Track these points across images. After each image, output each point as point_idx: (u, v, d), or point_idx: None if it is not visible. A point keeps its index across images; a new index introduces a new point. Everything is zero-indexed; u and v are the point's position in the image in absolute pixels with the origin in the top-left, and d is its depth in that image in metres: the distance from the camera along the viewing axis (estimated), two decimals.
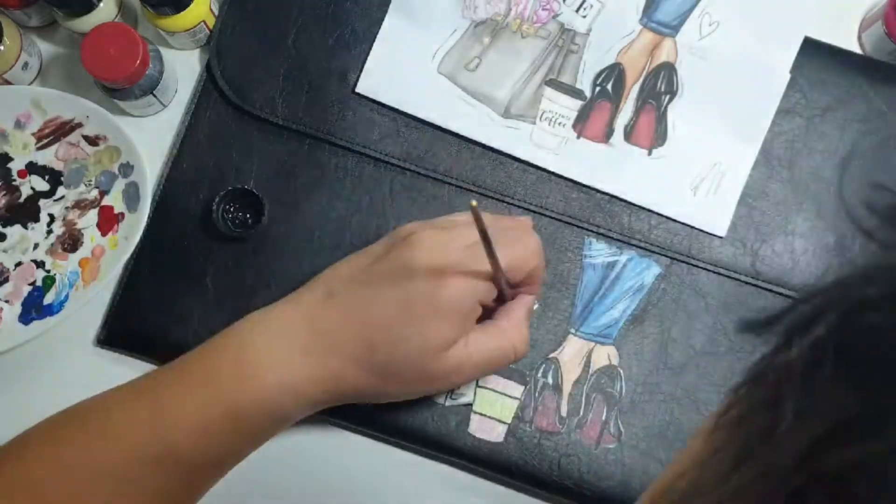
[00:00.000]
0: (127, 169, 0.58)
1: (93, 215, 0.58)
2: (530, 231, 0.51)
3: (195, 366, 0.48)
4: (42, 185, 0.59)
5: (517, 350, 0.50)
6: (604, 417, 0.57)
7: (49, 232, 0.58)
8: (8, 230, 0.58)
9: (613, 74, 0.59)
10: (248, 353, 0.47)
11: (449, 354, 0.47)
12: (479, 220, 0.42)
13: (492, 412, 0.56)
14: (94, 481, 0.46)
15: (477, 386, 0.57)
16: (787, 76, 0.59)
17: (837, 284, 0.24)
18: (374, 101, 0.59)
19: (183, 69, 0.61)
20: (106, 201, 0.59)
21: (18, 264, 0.58)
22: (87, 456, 0.47)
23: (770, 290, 0.58)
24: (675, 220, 0.58)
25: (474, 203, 0.41)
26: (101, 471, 0.46)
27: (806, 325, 0.24)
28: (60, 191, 0.59)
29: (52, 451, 0.47)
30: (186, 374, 0.48)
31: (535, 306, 0.57)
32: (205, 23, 0.59)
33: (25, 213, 0.59)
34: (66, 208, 0.59)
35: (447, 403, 0.56)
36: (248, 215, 0.58)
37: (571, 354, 0.57)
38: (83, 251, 0.58)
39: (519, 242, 0.49)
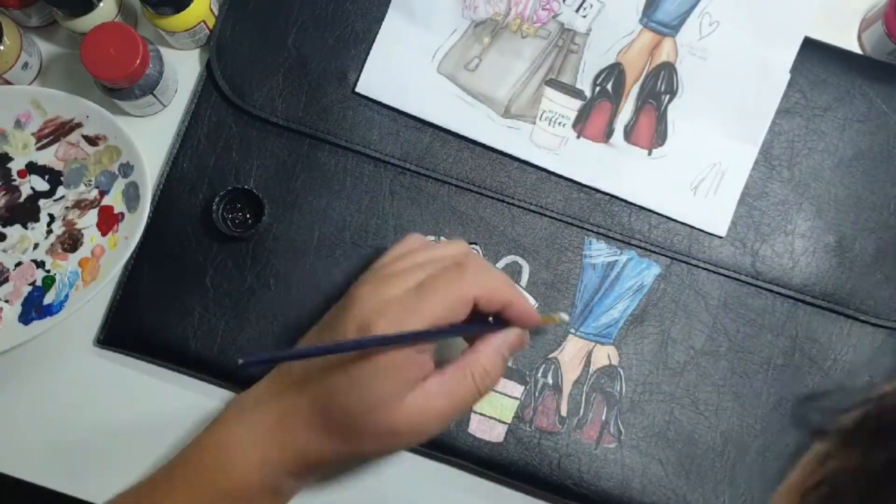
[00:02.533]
0: (127, 169, 0.58)
1: (93, 215, 0.59)
2: (462, 262, 0.49)
3: (185, 461, 0.51)
4: (42, 184, 0.59)
5: (479, 388, 0.48)
6: (604, 417, 0.57)
7: (49, 232, 0.58)
8: (8, 230, 0.58)
9: (613, 74, 0.59)
10: (228, 436, 0.50)
11: (404, 405, 0.46)
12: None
13: (492, 412, 0.56)
14: None
15: None
16: (787, 76, 0.59)
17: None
18: (374, 101, 0.59)
19: (183, 69, 0.61)
20: (106, 201, 0.59)
21: (18, 264, 0.58)
22: None
23: (770, 290, 0.58)
24: (675, 220, 0.58)
25: None
26: None
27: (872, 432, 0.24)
28: (60, 191, 0.59)
29: None
30: (178, 469, 0.51)
31: (526, 336, 0.52)
32: (205, 23, 0.59)
33: (25, 213, 0.59)
34: (66, 208, 0.59)
35: None
36: (247, 215, 0.58)
37: (571, 354, 0.57)
38: (83, 251, 0.58)
39: (451, 283, 0.47)
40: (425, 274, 0.48)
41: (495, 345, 0.49)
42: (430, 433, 0.48)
